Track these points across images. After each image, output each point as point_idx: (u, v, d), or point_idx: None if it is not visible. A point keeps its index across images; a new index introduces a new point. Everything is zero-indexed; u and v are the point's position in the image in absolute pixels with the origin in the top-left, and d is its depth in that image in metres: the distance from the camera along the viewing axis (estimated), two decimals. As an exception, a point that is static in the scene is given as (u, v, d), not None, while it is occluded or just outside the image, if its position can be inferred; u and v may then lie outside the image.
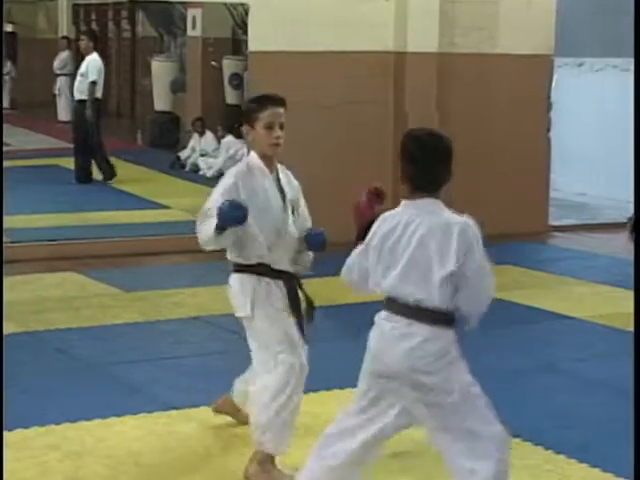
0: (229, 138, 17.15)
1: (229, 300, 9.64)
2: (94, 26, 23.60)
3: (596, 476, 6.00)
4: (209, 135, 18.10)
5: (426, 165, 4.86)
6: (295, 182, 6.32)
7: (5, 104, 22.91)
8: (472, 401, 4.89)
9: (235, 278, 6.16)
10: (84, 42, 17.00)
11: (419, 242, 4.79)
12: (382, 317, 4.94)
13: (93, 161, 16.80)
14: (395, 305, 4.86)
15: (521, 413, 6.46)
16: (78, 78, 16.70)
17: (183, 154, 18.23)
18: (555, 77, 14.02)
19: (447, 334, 4.86)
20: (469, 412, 4.87)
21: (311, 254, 6.35)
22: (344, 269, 5.16)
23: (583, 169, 16.39)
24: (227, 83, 18.72)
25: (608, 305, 9.83)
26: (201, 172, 17.65)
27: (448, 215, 4.86)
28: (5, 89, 24.83)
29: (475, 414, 4.88)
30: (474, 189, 13.06)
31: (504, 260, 11.50)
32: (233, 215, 5.79)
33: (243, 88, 16.66)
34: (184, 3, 18.47)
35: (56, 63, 23.49)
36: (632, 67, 16.30)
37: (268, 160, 6.08)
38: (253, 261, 6.05)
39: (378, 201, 5.50)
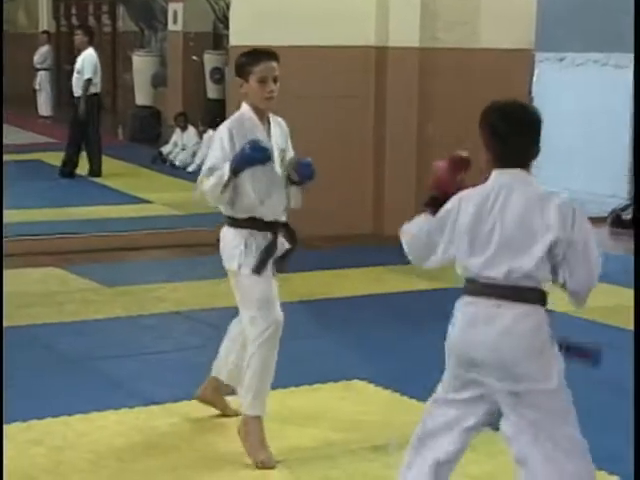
0: (210, 133, 17.14)
1: (209, 295, 9.79)
2: (74, 21, 23.59)
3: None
4: (191, 130, 18.12)
5: (516, 136, 4.64)
6: (286, 129, 6.52)
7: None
8: (568, 398, 4.65)
9: (227, 232, 6.23)
10: (79, 37, 17.01)
11: (515, 214, 4.54)
12: (466, 301, 4.70)
13: (87, 156, 16.84)
14: (482, 286, 4.57)
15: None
16: (75, 75, 16.65)
17: (165, 149, 18.24)
18: (536, 71, 14.06)
19: (541, 312, 4.58)
20: (566, 412, 4.63)
21: (299, 192, 6.47)
22: (407, 234, 4.92)
23: (565, 163, 16.46)
24: (208, 77, 18.72)
25: (589, 299, 9.84)
26: (182, 167, 17.64)
27: (543, 189, 4.67)
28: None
29: (571, 415, 4.64)
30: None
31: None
32: (255, 155, 5.93)
33: (224, 82, 16.66)
34: (166, -4, 18.47)
35: (36, 58, 23.44)
36: (612, 62, 16.41)
37: (260, 113, 6.19)
38: (245, 215, 6.12)
39: (462, 171, 4.98)
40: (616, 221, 13.85)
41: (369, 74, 12.77)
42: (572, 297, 4.66)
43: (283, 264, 6.32)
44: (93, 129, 16.76)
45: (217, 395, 6.70)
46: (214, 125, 16.27)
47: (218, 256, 11.61)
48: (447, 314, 8.69)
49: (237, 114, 6.28)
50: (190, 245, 12.03)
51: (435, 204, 4.84)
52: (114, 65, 22.32)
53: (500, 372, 4.53)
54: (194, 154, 17.52)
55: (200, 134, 17.79)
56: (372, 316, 9.31)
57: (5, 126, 18.97)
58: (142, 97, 20.53)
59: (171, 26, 19.86)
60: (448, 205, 4.74)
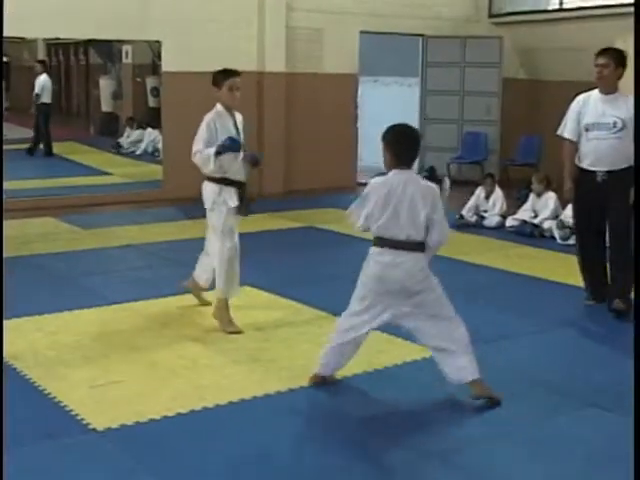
0: (149, 130, 16.93)
1: (151, 233, 9.64)
2: (61, 57, 22.97)
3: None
4: (136, 130, 17.80)
5: (407, 148, 4.89)
6: (241, 118, 6.55)
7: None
8: (439, 291, 4.91)
9: (207, 184, 6.28)
10: (38, 66, 17.14)
11: (410, 197, 4.75)
12: (377, 252, 4.85)
13: (44, 141, 16.64)
14: (387, 241, 4.79)
15: (344, 301, 6.45)
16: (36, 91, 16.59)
17: (121, 140, 17.92)
18: (360, 89, 14.05)
19: (422, 257, 4.82)
20: (443, 304, 4.90)
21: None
22: (350, 213, 5.00)
23: (377, 146, 16.53)
24: (149, 93, 18.42)
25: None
26: (132, 151, 17.40)
27: (423, 181, 4.90)
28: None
29: (446, 305, 4.91)
30: (311, 162, 13.13)
31: (327, 204, 11.60)
32: (233, 146, 6.11)
33: (159, 96, 16.35)
34: (120, 42, 18.03)
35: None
36: (406, 83, 16.45)
37: (228, 109, 6.33)
38: (219, 175, 6.19)
39: None
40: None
41: (252, 91, 12.64)
42: (429, 249, 4.85)
43: (242, 209, 6.40)
44: (46, 124, 16.54)
45: (198, 288, 6.84)
46: (153, 124, 16.11)
47: (158, 208, 11.54)
48: (307, 243, 8.74)
49: (215, 110, 6.34)
50: (138, 201, 11.89)
51: None
52: (87, 85, 21.75)
53: (406, 292, 4.82)
54: (138, 143, 17.26)
55: (144, 130, 17.50)
56: (260, 245, 9.26)
57: (11, 125, 18.46)
58: (106, 106, 20.15)
59: (124, 60, 19.50)
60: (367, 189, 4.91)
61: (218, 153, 6.06)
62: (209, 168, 6.11)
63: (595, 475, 4.13)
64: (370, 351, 5.76)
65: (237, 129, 6.38)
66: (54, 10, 10.88)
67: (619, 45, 12.27)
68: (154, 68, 17.91)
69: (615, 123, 6.56)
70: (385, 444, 4.39)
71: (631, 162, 6.48)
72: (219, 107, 6.35)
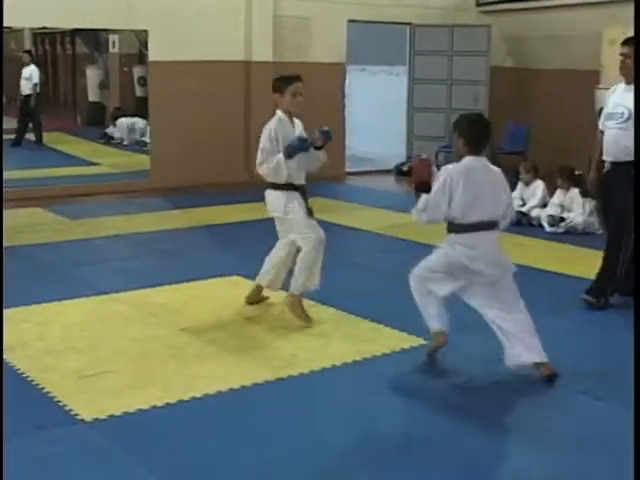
0: (136, 119, 16.89)
1: (138, 223, 9.64)
2: (47, 47, 22.85)
3: (400, 336, 6.03)
4: (124, 118, 17.71)
5: (479, 135, 5.04)
6: (300, 124, 6.35)
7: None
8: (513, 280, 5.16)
9: (272, 192, 6.21)
10: (26, 56, 17.07)
11: (490, 180, 5.00)
12: (460, 237, 5.01)
13: (35, 130, 16.63)
14: (469, 226, 4.95)
15: (332, 289, 6.45)
16: (24, 80, 16.49)
17: (108, 130, 17.86)
18: (347, 77, 14.02)
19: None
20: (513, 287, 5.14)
21: (324, 153, 6.26)
22: (427, 205, 5.00)
23: (365, 135, 16.56)
24: (136, 83, 18.36)
25: (382, 221, 9.94)
26: (119, 142, 17.34)
27: (492, 166, 5.11)
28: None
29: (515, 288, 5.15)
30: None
31: (316, 193, 11.58)
32: (302, 146, 6.00)
33: (147, 86, 16.30)
34: (106, 31, 17.96)
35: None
36: (394, 72, 16.43)
37: (289, 115, 6.15)
38: (284, 181, 6.09)
39: (429, 168, 5.25)
40: (398, 172, 13.94)
41: (240, 80, 12.62)
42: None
43: (310, 211, 6.25)
44: (37, 113, 16.51)
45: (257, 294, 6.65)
46: (141, 114, 16.07)
47: (145, 198, 11.51)
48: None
49: (276, 117, 6.18)
50: (125, 192, 11.85)
51: (424, 190, 5.05)
52: (74, 75, 21.66)
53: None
54: (129, 132, 17.21)
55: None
56: (247, 234, 9.27)
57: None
58: (93, 95, 20.10)
59: (111, 49, 19.45)
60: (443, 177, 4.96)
61: (289, 157, 5.98)
62: (282, 175, 6.04)
63: (581, 462, 4.13)
64: (359, 340, 5.78)
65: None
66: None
67: (606, 34, 12.34)
68: (141, 57, 17.87)
69: (623, 113, 6.46)
70: (369, 432, 4.40)
71: (632, 156, 6.30)
72: (280, 114, 6.19)
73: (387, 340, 5.73)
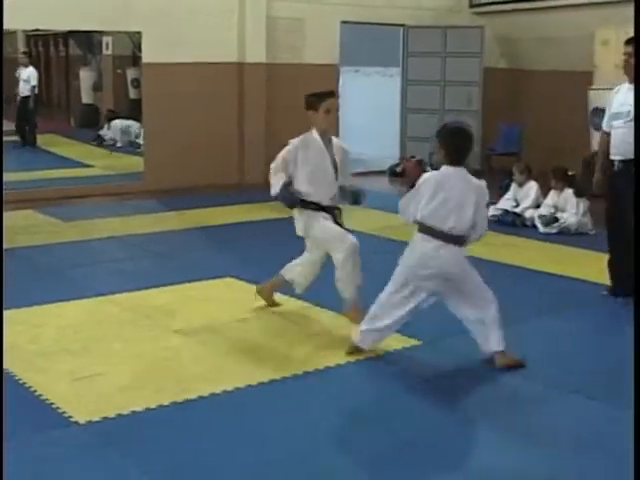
0: (131, 122, 16.86)
1: (132, 225, 9.64)
2: (40, 49, 22.82)
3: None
4: (118, 120, 17.68)
5: (459, 146, 5.05)
6: (344, 148, 6.11)
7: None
8: (474, 276, 5.17)
9: (296, 211, 6.06)
10: (23, 58, 17.37)
11: (459, 193, 4.96)
12: (420, 237, 5.08)
13: (30, 131, 16.80)
14: (430, 230, 5.01)
15: (326, 291, 6.45)
16: (22, 82, 16.59)
17: (102, 132, 17.83)
18: (341, 79, 14.01)
19: (461, 250, 5.10)
20: (479, 288, 5.16)
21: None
22: (401, 205, 5.20)
23: (359, 137, 16.55)
24: (130, 85, 18.35)
25: (376, 222, 9.91)
26: (113, 144, 17.31)
27: (474, 179, 5.09)
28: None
29: (477, 282, 5.16)
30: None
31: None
32: (285, 202, 5.97)
33: (140, 88, 16.29)
34: (100, 33, 17.93)
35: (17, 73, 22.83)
36: (388, 73, 16.44)
37: (324, 135, 5.86)
38: (308, 199, 5.95)
39: (420, 167, 5.48)
40: (392, 173, 13.93)
41: (233, 81, 12.63)
42: (470, 240, 5.19)
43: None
44: (34, 115, 16.64)
45: (270, 292, 6.52)
46: (134, 116, 16.04)
47: (139, 200, 11.49)
48: (289, 234, 8.64)
49: (304, 137, 5.98)
50: (119, 193, 11.84)
51: (412, 185, 5.21)
52: (67, 77, 21.62)
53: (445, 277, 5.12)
54: (122, 134, 17.17)
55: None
56: (241, 236, 9.28)
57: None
58: (86, 97, 20.06)
59: (104, 51, 19.41)
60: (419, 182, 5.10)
61: (277, 198, 6.00)
62: (274, 190, 6.01)
63: (578, 462, 4.13)
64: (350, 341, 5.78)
65: (333, 160, 5.99)
66: (34, 1, 10.80)
67: (598, 34, 12.36)
68: (134, 59, 17.83)
69: (629, 112, 6.51)
70: (362, 433, 4.39)
71: None
72: (314, 134, 5.95)
73: (382, 342, 5.71)
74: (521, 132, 13.44)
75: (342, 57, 13.91)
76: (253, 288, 7.07)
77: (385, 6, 13.95)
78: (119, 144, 16.97)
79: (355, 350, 5.43)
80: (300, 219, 6.05)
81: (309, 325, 6.13)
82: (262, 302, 6.67)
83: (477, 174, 11.21)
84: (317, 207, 5.96)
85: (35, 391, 4.85)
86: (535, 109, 13.94)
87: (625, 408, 4.36)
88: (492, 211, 10.15)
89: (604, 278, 7.02)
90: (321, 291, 6.39)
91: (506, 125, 13.94)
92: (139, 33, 12.25)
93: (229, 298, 6.79)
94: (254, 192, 11.94)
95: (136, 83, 17.47)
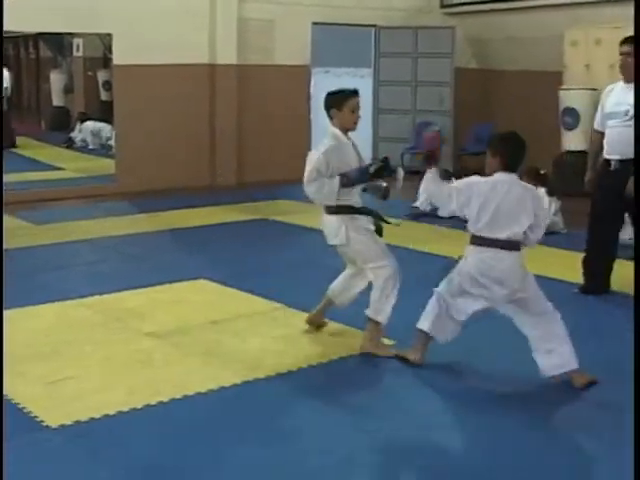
0: (102, 124, 16.79)
1: (104, 228, 9.57)
2: (10, 51, 22.71)
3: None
4: (89, 122, 17.61)
5: (517, 154, 4.99)
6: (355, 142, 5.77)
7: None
8: (539, 293, 5.07)
9: (329, 218, 5.54)
10: None
11: (514, 199, 4.89)
12: (476, 250, 4.95)
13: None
14: (487, 240, 4.88)
15: (299, 291, 6.47)
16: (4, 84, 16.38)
17: (73, 134, 17.75)
18: (312, 80, 14.02)
19: (520, 255, 4.98)
20: (540, 300, 5.05)
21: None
22: (434, 192, 5.11)
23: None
24: (101, 87, 18.28)
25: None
26: (84, 146, 17.23)
27: (526, 184, 5.08)
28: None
29: (542, 300, 5.07)
30: (264, 154, 13.11)
31: (281, 196, 11.60)
32: (361, 178, 5.46)
33: (112, 90, 16.24)
34: (71, 34, 17.84)
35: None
36: (359, 73, 16.49)
37: (345, 133, 5.57)
38: (344, 203, 5.48)
39: (439, 140, 5.37)
40: (370, 173, 13.91)
41: (204, 83, 12.61)
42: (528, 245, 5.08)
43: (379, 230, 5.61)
44: (9, 117, 16.48)
45: (320, 317, 6.06)
46: (106, 118, 15.96)
47: (111, 202, 11.43)
48: (260, 235, 8.68)
49: (333, 138, 5.50)
50: (90, 196, 11.79)
51: (430, 161, 5.16)
52: (38, 79, 21.52)
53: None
54: (93, 136, 17.10)
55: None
56: (213, 238, 9.27)
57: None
58: (57, 100, 19.96)
59: (75, 53, 19.32)
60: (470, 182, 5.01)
61: (344, 185, 5.40)
62: (330, 199, 5.43)
63: (540, 461, 4.17)
64: (325, 342, 5.79)
65: (359, 155, 5.65)
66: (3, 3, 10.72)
67: (567, 35, 12.45)
68: (105, 61, 17.76)
69: (627, 111, 6.56)
70: (335, 434, 4.40)
71: None
72: (337, 132, 5.53)
73: (353, 341, 5.72)
74: (492, 131, 13.48)
75: (313, 58, 13.91)
76: (225, 290, 7.09)
77: (356, 7, 13.97)
78: (90, 146, 16.90)
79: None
80: (340, 223, 5.51)
81: (281, 327, 6.13)
82: (234, 304, 6.68)
83: (448, 174, 11.28)
84: (353, 210, 5.55)
85: (6, 395, 4.81)
86: (506, 109, 14.01)
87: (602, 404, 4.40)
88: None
89: (575, 277, 7.09)
90: (295, 292, 6.40)
91: (477, 125, 14.00)
92: (110, 35, 12.21)
93: (201, 300, 6.79)
94: (226, 194, 11.96)
95: (107, 85, 17.40)
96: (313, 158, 5.46)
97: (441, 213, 5.16)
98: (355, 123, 5.56)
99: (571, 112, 12.08)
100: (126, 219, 10.33)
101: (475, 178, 5.00)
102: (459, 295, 5.10)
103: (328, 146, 5.46)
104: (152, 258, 8.38)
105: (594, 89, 12.09)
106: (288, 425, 4.51)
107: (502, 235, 4.87)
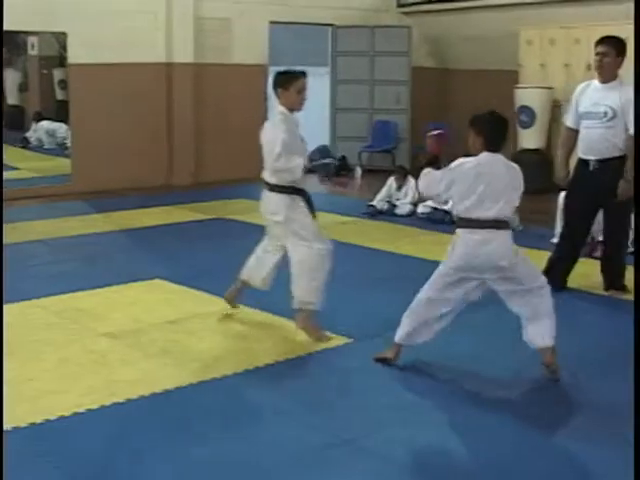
0: (58, 124, 16.64)
1: (59, 228, 9.48)
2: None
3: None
4: (44, 122, 17.44)
5: (499, 132, 5.01)
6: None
7: None
8: (531, 268, 5.15)
9: (274, 195, 5.77)
10: None
11: (502, 177, 4.94)
12: (465, 232, 4.95)
13: None
14: (475, 222, 4.89)
15: (255, 290, 6.44)
16: None
17: (28, 134, 17.58)
18: (270, 79, 13.98)
19: (510, 234, 5.02)
20: (531, 275, 5.12)
21: None
22: (427, 181, 5.06)
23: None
24: (56, 86, 18.12)
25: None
26: (40, 146, 17.06)
27: (510, 162, 5.08)
28: None
29: (534, 275, 5.13)
30: (221, 153, 13.06)
31: (237, 196, 11.58)
32: (327, 165, 5.66)
33: (67, 89, 16.10)
34: (26, 33, 17.68)
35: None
36: (314, 73, 16.49)
37: (292, 112, 5.70)
38: (288, 184, 5.70)
39: (444, 142, 5.39)
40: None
41: (161, 81, 12.55)
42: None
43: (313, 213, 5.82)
44: None
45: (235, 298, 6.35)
46: (61, 117, 15.82)
47: (67, 202, 11.31)
48: (216, 235, 8.62)
49: (282, 112, 5.69)
50: (47, 196, 11.69)
51: (432, 163, 5.15)
52: (-9, 78, 21.37)
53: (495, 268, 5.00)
54: (48, 136, 16.94)
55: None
56: (169, 237, 9.22)
57: None
58: (12, 99, 19.71)
59: (30, 52, 19.15)
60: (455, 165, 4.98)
61: (307, 170, 5.66)
62: (295, 176, 5.64)
63: (503, 464, 4.20)
64: (283, 341, 5.79)
65: (301, 136, 5.87)
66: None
67: (523, 35, 12.56)
68: (61, 60, 17.61)
69: (606, 113, 6.62)
70: (295, 432, 4.40)
71: (623, 151, 6.59)
72: (285, 111, 5.70)
73: (310, 339, 5.74)
74: (448, 129, 13.55)
75: (271, 57, 13.90)
76: (181, 289, 7.07)
77: (313, 6, 13.98)
78: (46, 146, 16.75)
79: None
80: (284, 201, 5.74)
81: (237, 326, 6.13)
82: (191, 303, 6.66)
83: (406, 172, 11.33)
84: (296, 190, 5.76)
85: (-41, 398, 4.76)
86: (462, 107, 13.96)
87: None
88: (421, 209, 10.26)
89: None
90: (252, 291, 6.38)
91: (435, 123, 14.05)
92: (64, 34, 12.11)
93: (157, 300, 6.76)
94: (182, 193, 11.91)
95: (63, 84, 17.27)
96: (277, 139, 5.58)
97: (428, 194, 5.21)
98: (301, 104, 5.72)
99: (527, 110, 12.20)
100: (82, 219, 10.24)
101: (462, 159, 5.01)
102: (448, 287, 5.11)
103: (283, 125, 5.62)
104: (108, 258, 8.33)
105: (549, 88, 12.23)
106: (244, 423, 4.51)
107: (490, 214, 4.90)
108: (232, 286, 6.36)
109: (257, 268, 6.18)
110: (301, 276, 5.75)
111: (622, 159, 6.61)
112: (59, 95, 18.20)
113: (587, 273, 7.26)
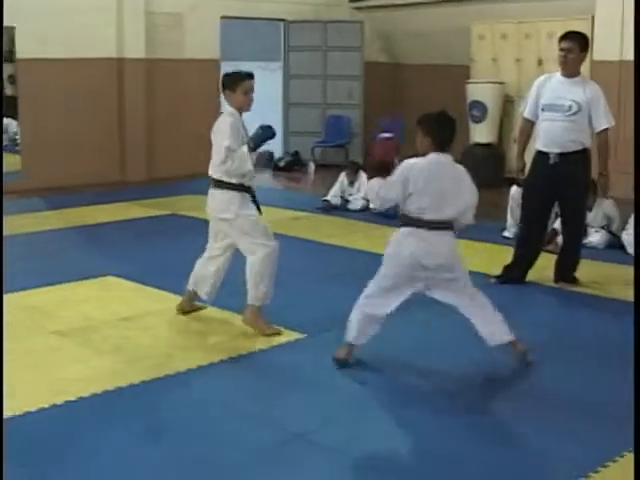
0: (9, 120, 16.37)
1: (15, 226, 9.35)
2: None
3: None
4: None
5: (447, 133, 4.98)
6: None
7: None
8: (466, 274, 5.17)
9: (221, 193, 5.74)
10: None
11: (452, 179, 4.93)
12: (411, 231, 4.93)
13: None
14: (425, 222, 4.87)
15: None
16: None
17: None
18: (222, 74, 13.93)
19: (453, 235, 5.01)
20: (466, 281, 5.13)
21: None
22: (376, 189, 4.98)
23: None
24: (6, 81, 17.89)
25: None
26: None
27: (458, 165, 5.03)
28: None
29: (468, 281, 5.15)
30: (174, 149, 12.99)
31: (190, 191, 11.50)
32: (266, 134, 5.68)
33: (16, 84, 15.90)
34: (-27, 27, 17.46)
35: None
36: (269, 67, 16.46)
37: (240, 113, 5.74)
38: (236, 181, 5.69)
39: (396, 151, 5.31)
40: (275, 167, 14.00)
41: (113, 76, 12.46)
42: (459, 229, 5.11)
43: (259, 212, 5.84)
44: None
45: (190, 302, 6.28)
46: (11, 113, 15.59)
47: (19, 199, 11.14)
48: (170, 231, 8.54)
49: (230, 113, 5.73)
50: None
51: (382, 174, 5.02)
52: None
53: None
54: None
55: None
56: (122, 234, 9.17)
57: None
58: (-41, 95, 19.58)
59: (-23, 46, 18.98)
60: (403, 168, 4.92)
61: (253, 149, 5.64)
62: (245, 170, 5.64)
63: (444, 465, 4.23)
64: (236, 337, 5.78)
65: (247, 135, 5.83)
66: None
67: (474, 29, 12.65)
68: (10, 54, 17.46)
69: (570, 106, 6.67)
70: (249, 429, 4.39)
71: (585, 145, 6.70)
72: (232, 110, 5.75)
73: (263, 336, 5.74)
74: (403, 125, 13.61)
75: (223, 52, 13.84)
76: (134, 286, 7.02)
77: (265, 0, 13.95)
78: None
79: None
80: (233, 199, 5.74)
81: (192, 322, 6.10)
82: (144, 300, 6.62)
83: (358, 167, 11.34)
84: (244, 188, 5.77)
85: None
86: (415, 102, 14.10)
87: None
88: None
89: (484, 267, 7.21)
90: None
91: (387, 118, 14.11)
92: (13, 28, 11.95)
93: (109, 297, 6.71)
94: (135, 189, 11.83)
95: (12, 79, 17.07)
96: (219, 138, 5.64)
97: (380, 205, 5.17)
98: (249, 105, 5.78)
99: (478, 105, 12.28)
100: (35, 216, 10.12)
101: (411, 160, 4.97)
102: (388, 290, 5.09)
103: (229, 121, 5.65)
104: (59, 255, 8.24)
105: (501, 82, 12.32)
106: (198, 421, 4.49)
107: (443, 216, 4.90)
108: (184, 296, 6.29)
109: (203, 279, 6.14)
110: (254, 274, 5.75)
111: (583, 152, 6.72)
112: (9, 90, 17.97)
113: (543, 266, 7.29)
